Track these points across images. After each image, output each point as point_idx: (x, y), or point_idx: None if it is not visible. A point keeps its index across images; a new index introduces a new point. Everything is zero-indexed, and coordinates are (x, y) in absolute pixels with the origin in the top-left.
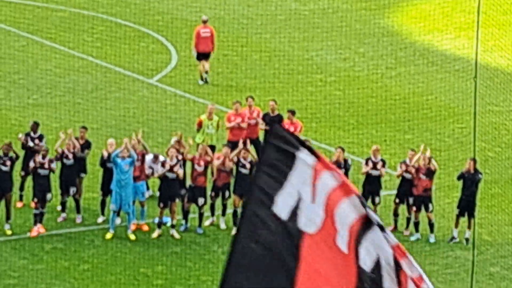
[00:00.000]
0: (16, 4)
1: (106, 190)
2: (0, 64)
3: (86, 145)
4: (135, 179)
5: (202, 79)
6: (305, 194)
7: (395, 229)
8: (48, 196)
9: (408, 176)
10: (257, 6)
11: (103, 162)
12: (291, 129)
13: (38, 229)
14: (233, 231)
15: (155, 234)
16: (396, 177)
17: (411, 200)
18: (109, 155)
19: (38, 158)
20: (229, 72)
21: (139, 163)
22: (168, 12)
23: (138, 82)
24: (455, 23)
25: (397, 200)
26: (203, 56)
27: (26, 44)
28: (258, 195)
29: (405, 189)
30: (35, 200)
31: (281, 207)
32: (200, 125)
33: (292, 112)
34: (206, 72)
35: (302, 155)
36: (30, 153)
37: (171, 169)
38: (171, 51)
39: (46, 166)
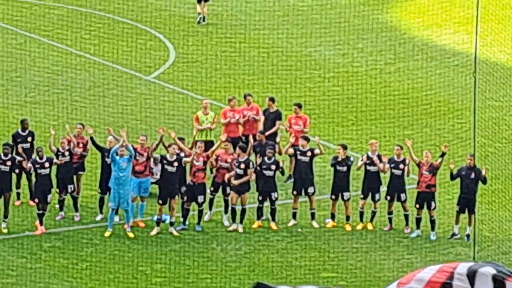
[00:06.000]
0: (14, 1)
1: (104, 188)
2: None
3: (86, 143)
4: (139, 174)
5: (199, 16)
6: None
7: (391, 228)
8: (49, 197)
9: (397, 172)
10: (255, 2)
11: (96, 144)
12: (300, 122)
13: (42, 229)
14: (231, 228)
15: (153, 232)
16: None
17: (403, 196)
18: (109, 150)
19: (36, 159)
20: (227, 68)
21: (144, 159)
22: (165, 8)
23: (136, 79)
24: (454, 18)
25: (388, 198)
26: None
27: (23, 42)
28: None
29: (395, 185)
30: (36, 200)
31: None
32: (197, 121)
33: (299, 106)
34: (204, 17)
35: None
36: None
37: (171, 164)
38: (169, 48)
39: (47, 165)
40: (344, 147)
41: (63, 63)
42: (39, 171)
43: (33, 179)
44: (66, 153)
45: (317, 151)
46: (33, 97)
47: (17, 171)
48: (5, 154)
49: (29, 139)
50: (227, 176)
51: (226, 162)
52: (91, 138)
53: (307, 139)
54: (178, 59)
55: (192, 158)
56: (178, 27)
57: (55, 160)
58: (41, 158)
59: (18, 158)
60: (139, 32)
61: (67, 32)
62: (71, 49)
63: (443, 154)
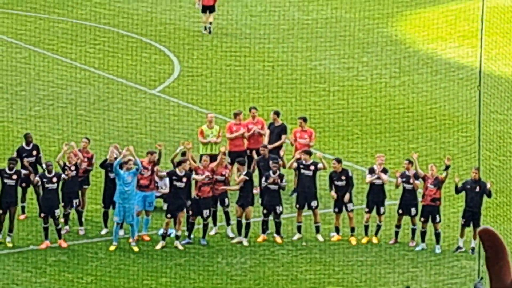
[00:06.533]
0: (18, 15)
1: (107, 202)
2: (2, 76)
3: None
4: (144, 188)
5: (205, 29)
6: None
7: (396, 242)
8: (57, 211)
9: (408, 186)
10: (260, 16)
11: (105, 165)
12: (305, 136)
13: (47, 243)
14: (235, 240)
15: (159, 246)
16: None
17: (413, 210)
18: (111, 164)
19: (44, 173)
20: (232, 82)
21: (150, 173)
22: (170, 22)
23: (141, 93)
24: (458, 32)
25: (400, 211)
26: (207, 8)
27: (28, 56)
28: None
29: (407, 199)
30: (43, 215)
31: None
32: (202, 134)
33: (304, 119)
34: (210, 23)
35: None
36: (30, 166)
37: (179, 180)
38: (173, 62)
39: (54, 180)
40: (339, 161)
41: (67, 77)
42: (46, 185)
43: (40, 193)
44: (73, 168)
45: (320, 165)
46: (38, 111)
47: (23, 184)
48: (10, 169)
49: (34, 152)
50: (223, 187)
51: (222, 175)
52: (105, 161)
53: (309, 153)
54: (183, 72)
55: (203, 178)
56: (183, 40)
57: (63, 176)
58: (49, 172)
59: (24, 171)
60: (144, 46)
61: (71, 46)
62: (75, 63)
63: (447, 168)
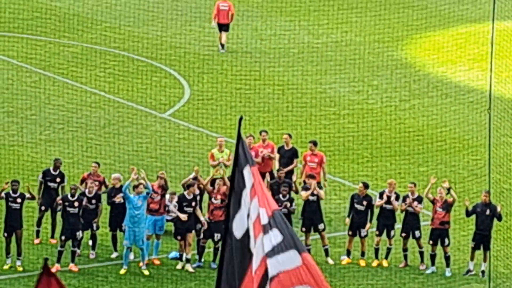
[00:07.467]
0: (28, 39)
1: (114, 224)
2: (12, 100)
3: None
4: (154, 212)
5: (222, 47)
6: (251, 220)
7: (406, 265)
8: (79, 234)
9: (411, 209)
10: (270, 40)
11: (110, 198)
12: (315, 160)
13: (57, 267)
14: None
15: (179, 266)
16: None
17: (417, 233)
18: (120, 187)
19: (67, 196)
20: (242, 105)
21: (159, 197)
22: (180, 46)
23: (151, 116)
24: (468, 55)
25: (403, 234)
26: (222, 27)
27: (38, 80)
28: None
29: (410, 222)
30: (63, 238)
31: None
32: (213, 158)
33: (314, 143)
34: (223, 45)
35: (246, 172)
36: (49, 190)
37: (189, 205)
38: (183, 85)
39: (76, 204)
40: (366, 186)
41: (78, 101)
42: (68, 209)
43: (58, 216)
44: (94, 201)
45: (321, 192)
46: (48, 135)
47: (43, 208)
48: (14, 191)
49: (58, 179)
50: None
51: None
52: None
53: (313, 177)
54: (193, 96)
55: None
56: (193, 64)
57: (84, 203)
58: (73, 196)
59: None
60: (154, 70)
61: (81, 70)
62: (86, 87)
63: (449, 190)
